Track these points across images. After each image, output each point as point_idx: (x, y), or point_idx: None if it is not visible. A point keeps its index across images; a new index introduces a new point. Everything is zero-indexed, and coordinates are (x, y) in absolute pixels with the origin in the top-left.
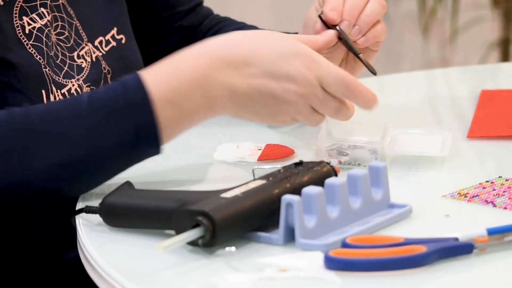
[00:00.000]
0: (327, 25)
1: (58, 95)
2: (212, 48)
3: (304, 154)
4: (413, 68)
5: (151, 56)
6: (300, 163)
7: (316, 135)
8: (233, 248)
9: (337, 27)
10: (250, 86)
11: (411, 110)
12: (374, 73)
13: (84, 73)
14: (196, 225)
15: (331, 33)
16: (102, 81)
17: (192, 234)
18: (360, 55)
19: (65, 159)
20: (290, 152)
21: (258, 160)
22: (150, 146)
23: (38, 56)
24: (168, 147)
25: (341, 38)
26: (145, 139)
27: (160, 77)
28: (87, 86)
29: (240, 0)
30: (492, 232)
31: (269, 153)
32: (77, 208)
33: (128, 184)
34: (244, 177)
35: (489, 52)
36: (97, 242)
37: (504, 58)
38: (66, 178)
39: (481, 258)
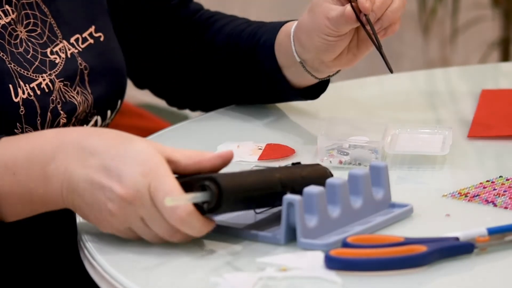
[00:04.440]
0: (356, 12)
1: (27, 89)
2: (69, 134)
3: (304, 154)
4: (413, 68)
5: (143, 50)
6: (298, 163)
7: (316, 135)
8: (236, 247)
9: (367, 17)
10: (84, 177)
11: (411, 110)
12: (391, 71)
13: (58, 69)
14: (204, 189)
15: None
16: (78, 77)
17: (198, 196)
18: (382, 50)
19: None
20: (290, 152)
21: (258, 159)
22: None
23: (1, 53)
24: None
25: (365, 28)
26: None
27: (8, 146)
28: (59, 81)
29: (240, 0)
30: (492, 231)
31: (270, 152)
32: None
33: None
34: None
35: (489, 52)
36: (97, 242)
37: (504, 58)
38: None
39: (481, 258)
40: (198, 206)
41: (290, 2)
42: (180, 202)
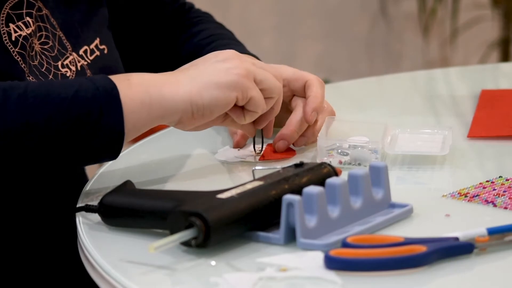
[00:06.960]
0: None
1: None
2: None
3: (305, 154)
4: (413, 68)
5: (139, 58)
6: (301, 164)
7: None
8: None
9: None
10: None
11: (411, 110)
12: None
13: None
14: (190, 226)
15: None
16: None
17: (185, 234)
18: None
19: (23, 129)
20: (291, 152)
21: (259, 160)
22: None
23: (23, 65)
24: (169, 146)
25: None
26: (107, 116)
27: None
28: None
29: (240, 0)
30: (492, 231)
31: (270, 153)
32: (77, 205)
33: (128, 183)
34: (244, 177)
35: (489, 52)
36: (97, 242)
37: (504, 58)
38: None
39: (481, 258)
40: (186, 242)
41: (290, 2)
42: (167, 245)
